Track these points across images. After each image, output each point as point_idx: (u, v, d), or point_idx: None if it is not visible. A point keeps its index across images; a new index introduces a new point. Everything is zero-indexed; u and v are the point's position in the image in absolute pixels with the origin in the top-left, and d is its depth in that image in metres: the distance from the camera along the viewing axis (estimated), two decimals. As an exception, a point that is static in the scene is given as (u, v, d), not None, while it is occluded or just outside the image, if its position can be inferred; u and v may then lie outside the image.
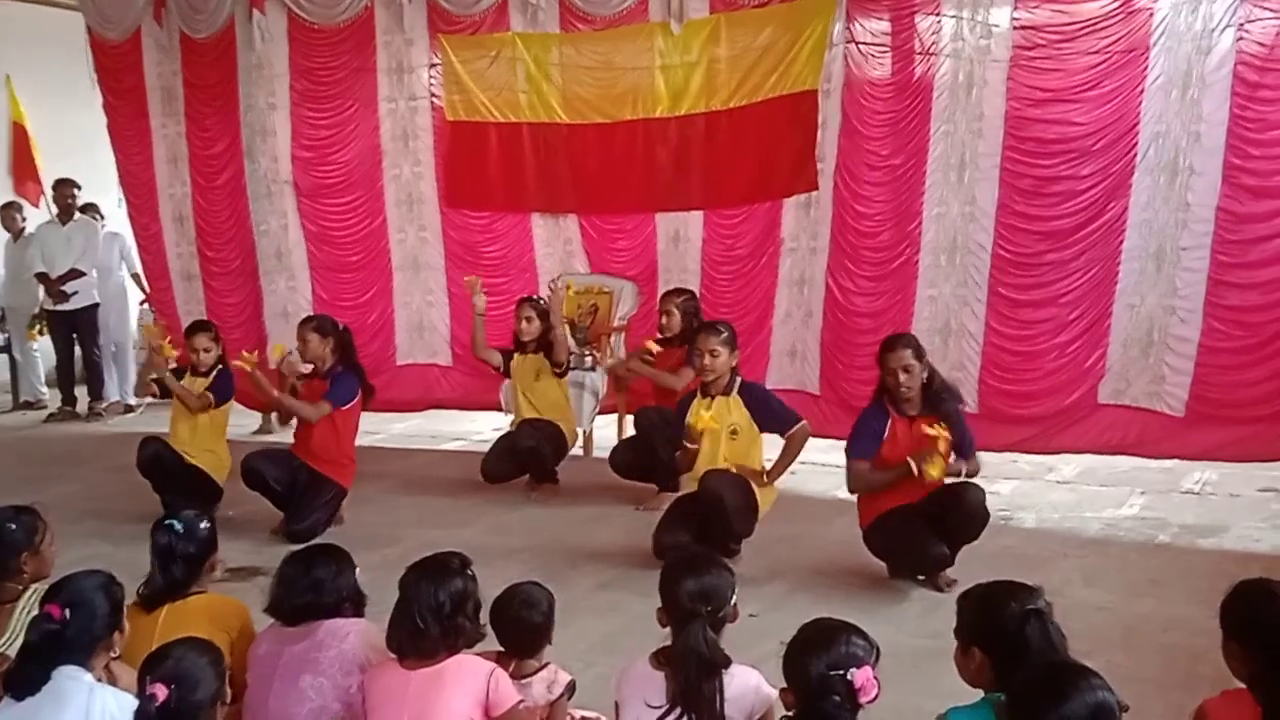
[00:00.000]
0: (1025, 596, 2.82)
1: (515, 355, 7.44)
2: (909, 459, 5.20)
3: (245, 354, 6.59)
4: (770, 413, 5.92)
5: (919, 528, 5.34)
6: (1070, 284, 6.99)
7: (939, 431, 5.12)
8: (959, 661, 2.90)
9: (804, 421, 5.92)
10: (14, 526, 3.66)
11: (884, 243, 7.46)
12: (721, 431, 5.77)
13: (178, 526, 3.61)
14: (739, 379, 5.93)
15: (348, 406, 6.62)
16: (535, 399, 7.39)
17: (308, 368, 6.71)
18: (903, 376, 5.33)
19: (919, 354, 5.39)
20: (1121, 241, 6.85)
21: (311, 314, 7.44)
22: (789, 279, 7.83)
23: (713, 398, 5.87)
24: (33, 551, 3.69)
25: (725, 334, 5.89)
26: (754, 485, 5.75)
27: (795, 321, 7.80)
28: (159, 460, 6.73)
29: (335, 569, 3.48)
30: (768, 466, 5.91)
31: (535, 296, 7.63)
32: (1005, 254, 7.11)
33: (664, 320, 7.16)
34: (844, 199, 7.53)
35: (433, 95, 8.70)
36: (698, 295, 7.46)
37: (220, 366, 6.95)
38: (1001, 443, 7.14)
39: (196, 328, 7.18)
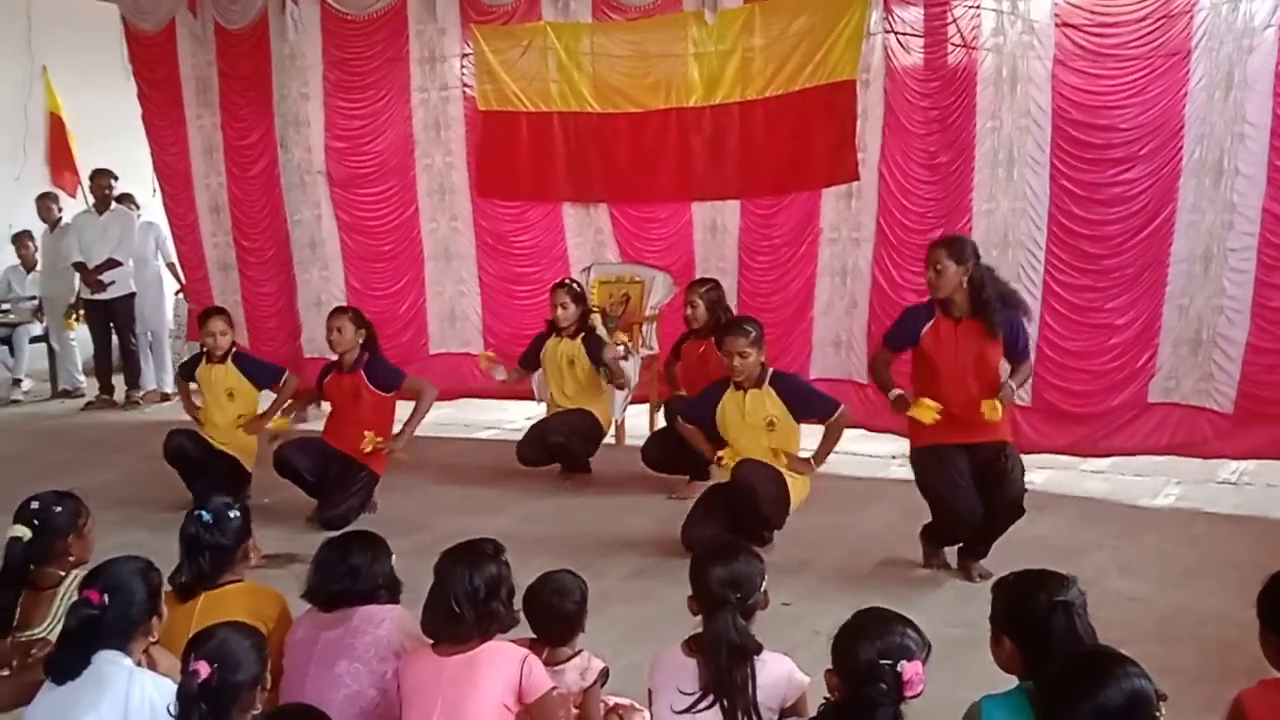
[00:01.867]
0: (1056, 587, 2.81)
1: (549, 339, 7.43)
2: (911, 413, 5.30)
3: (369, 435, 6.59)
4: (806, 401, 5.92)
5: (960, 480, 5.32)
6: (1122, 287, 6.97)
7: (991, 408, 5.17)
8: (993, 649, 2.90)
9: (843, 406, 5.94)
10: (59, 509, 3.71)
11: (934, 237, 7.40)
12: (760, 425, 5.80)
13: (205, 516, 3.62)
14: (769, 370, 5.91)
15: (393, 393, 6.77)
16: (567, 387, 7.40)
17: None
18: (931, 275, 5.31)
19: (958, 258, 5.24)
20: (1170, 244, 6.83)
21: (344, 305, 7.46)
22: (829, 269, 7.80)
23: (745, 391, 5.86)
24: (77, 535, 3.74)
25: (753, 334, 5.84)
26: (787, 476, 5.75)
27: (838, 312, 7.77)
28: (183, 453, 6.86)
29: (371, 556, 3.51)
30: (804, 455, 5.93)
31: (570, 280, 7.60)
32: (1058, 254, 7.08)
33: (689, 312, 7.10)
34: (889, 191, 7.49)
35: (465, 85, 8.72)
36: (722, 285, 7.33)
37: (236, 350, 7.08)
38: (1057, 444, 7.18)
39: (211, 313, 7.27)
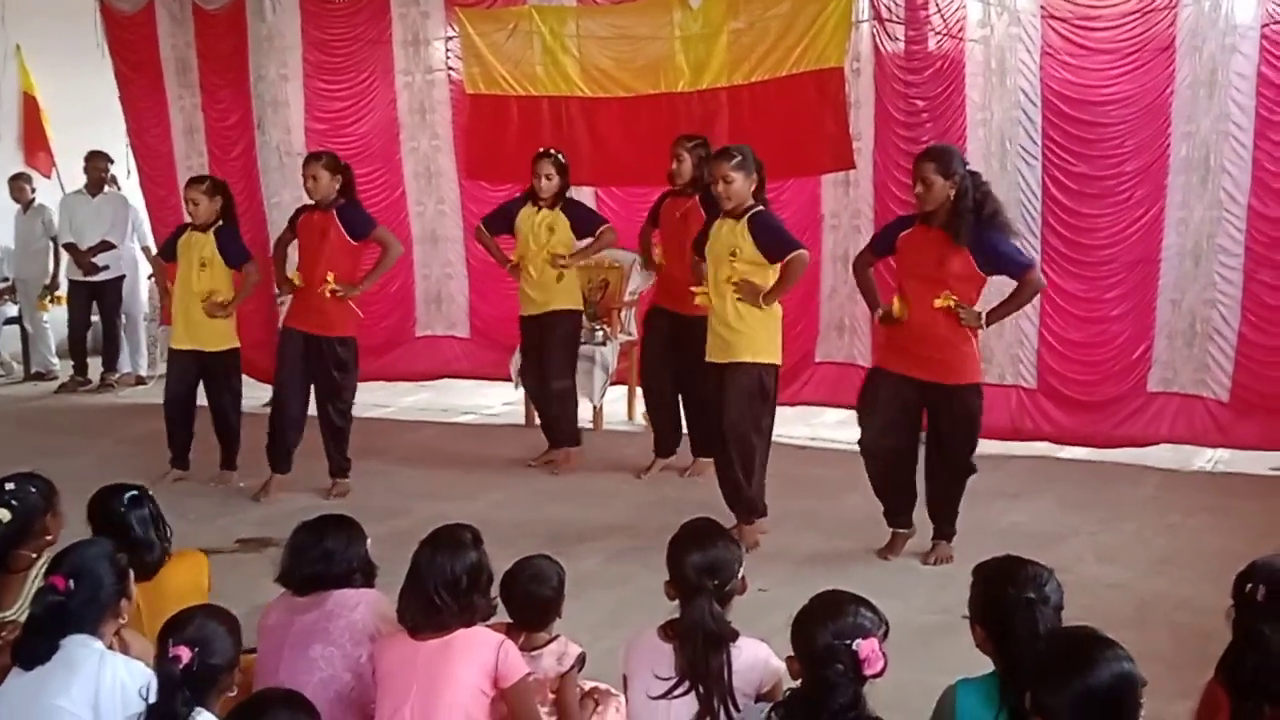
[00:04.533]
0: (1025, 582, 2.79)
1: (527, 205, 7.10)
2: (879, 307, 5.42)
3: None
4: (769, 240, 5.70)
5: (881, 407, 5.44)
6: (1116, 280, 7.07)
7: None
8: (972, 632, 2.90)
9: (802, 250, 5.73)
10: (34, 489, 3.72)
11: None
12: (723, 254, 5.70)
13: (139, 493, 3.78)
14: (756, 208, 5.71)
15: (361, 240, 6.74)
16: (541, 256, 7.04)
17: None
18: (919, 190, 5.27)
19: (945, 171, 5.18)
20: (1161, 239, 6.92)
21: (317, 150, 7.30)
22: (832, 255, 7.80)
23: (725, 220, 5.75)
24: (53, 513, 3.76)
25: (738, 158, 5.66)
26: (753, 328, 5.69)
27: (841, 297, 7.75)
28: (180, 401, 7.03)
29: (346, 539, 3.49)
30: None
31: (554, 150, 7.21)
32: (1053, 244, 7.14)
33: (674, 166, 6.78)
34: (884, 181, 7.50)
35: (449, 68, 8.68)
36: (709, 143, 6.88)
37: (220, 223, 6.91)
38: (1064, 434, 7.32)
39: (191, 181, 7.19)
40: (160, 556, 3.70)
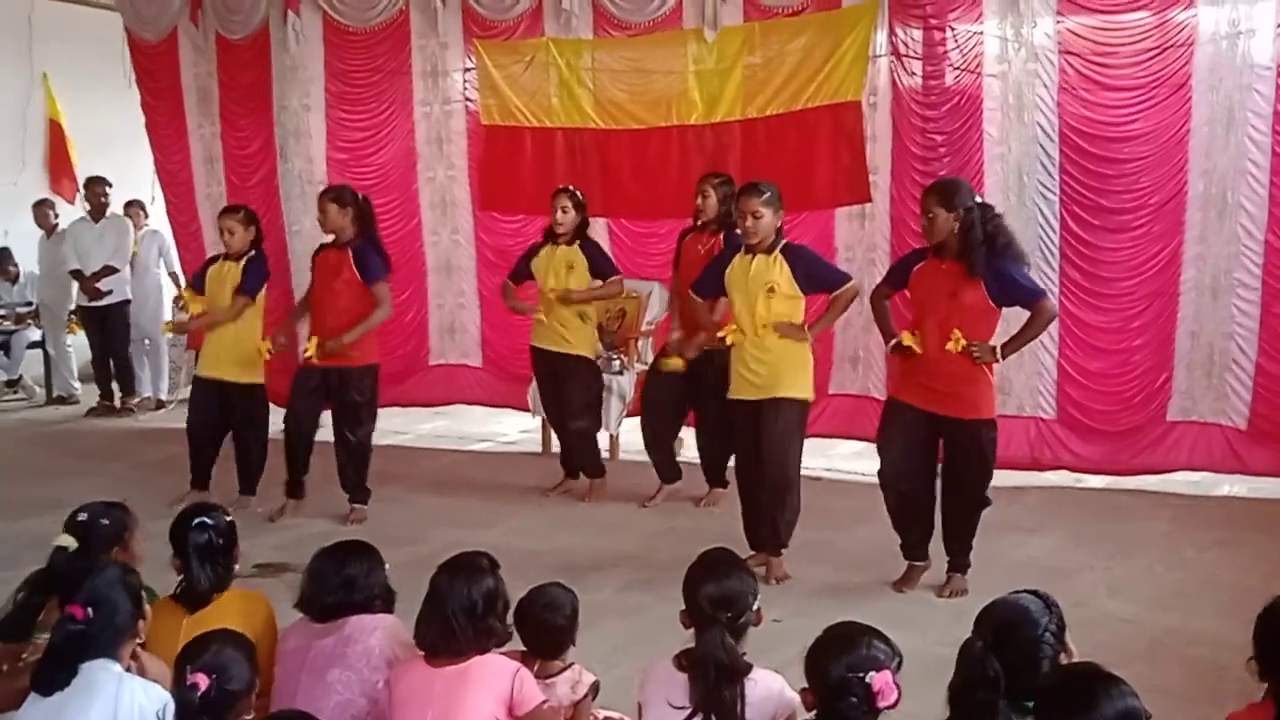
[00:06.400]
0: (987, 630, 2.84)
1: (545, 247, 7.14)
2: (893, 338, 5.44)
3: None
4: (815, 273, 5.81)
5: (898, 436, 5.44)
6: (1136, 313, 7.14)
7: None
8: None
9: (854, 280, 5.91)
10: (105, 521, 3.72)
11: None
12: (760, 290, 5.69)
13: (209, 521, 3.67)
14: (783, 240, 5.81)
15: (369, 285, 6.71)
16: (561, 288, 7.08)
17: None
18: (924, 223, 5.31)
19: (948, 205, 5.19)
20: (1179, 273, 7.00)
21: (329, 186, 7.30)
22: None
23: (754, 255, 5.75)
24: (122, 547, 3.73)
25: (768, 194, 5.67)
26: (794, 342, 5.70)
27: (856, 329, 7.74)
28: (203, 418, 7.05)
29: (367, 566, 3.51)
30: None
31: (572, 187, 7.26)
32: (1072, 277, 7.19)
33: (699, 202, 6.77)
34: (900, 215, 7.52)
35: (467, 99, 8.75)
36: (734, 181, 6.88)
37: (253, 253, 6.95)
38: (1086, 464, 7.35)
39: (225, 210, 7.23)
40: (209, 589, 3.60)
